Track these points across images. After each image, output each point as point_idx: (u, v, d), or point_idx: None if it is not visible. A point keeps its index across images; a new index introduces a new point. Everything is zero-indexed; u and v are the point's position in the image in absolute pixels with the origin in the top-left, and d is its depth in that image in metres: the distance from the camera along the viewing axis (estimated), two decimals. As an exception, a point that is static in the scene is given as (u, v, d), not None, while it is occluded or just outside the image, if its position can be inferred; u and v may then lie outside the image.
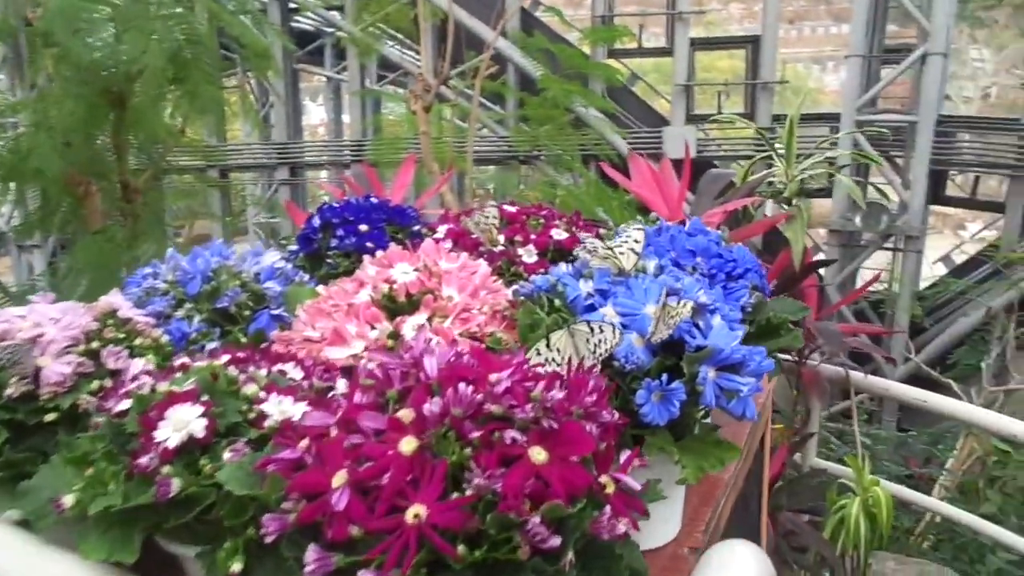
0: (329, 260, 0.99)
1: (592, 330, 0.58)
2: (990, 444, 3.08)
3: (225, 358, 0.58)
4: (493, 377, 0.46)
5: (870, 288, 6.00)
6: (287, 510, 0.43)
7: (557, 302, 0.66)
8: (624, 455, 0.47)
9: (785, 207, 1.64)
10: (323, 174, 9.45)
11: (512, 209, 1.02)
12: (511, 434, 0.43)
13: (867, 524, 1.59)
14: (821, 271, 3.36)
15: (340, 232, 1.00)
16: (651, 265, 0.71)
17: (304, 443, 0.46)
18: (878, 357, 3.21)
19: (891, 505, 1.61)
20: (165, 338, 0.72)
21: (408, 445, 0.42)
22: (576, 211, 1.05)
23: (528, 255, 0.94)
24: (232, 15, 2.41)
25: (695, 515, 0.72)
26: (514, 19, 6.12)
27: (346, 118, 9.64)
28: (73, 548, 0.50)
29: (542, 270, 0.90)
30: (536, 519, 0.40)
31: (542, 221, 1.00)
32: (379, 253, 0.79)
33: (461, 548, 0.39)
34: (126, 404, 0.53)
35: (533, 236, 0.96)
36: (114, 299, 0.71)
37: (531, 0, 7.63)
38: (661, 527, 0.68)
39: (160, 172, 2.65)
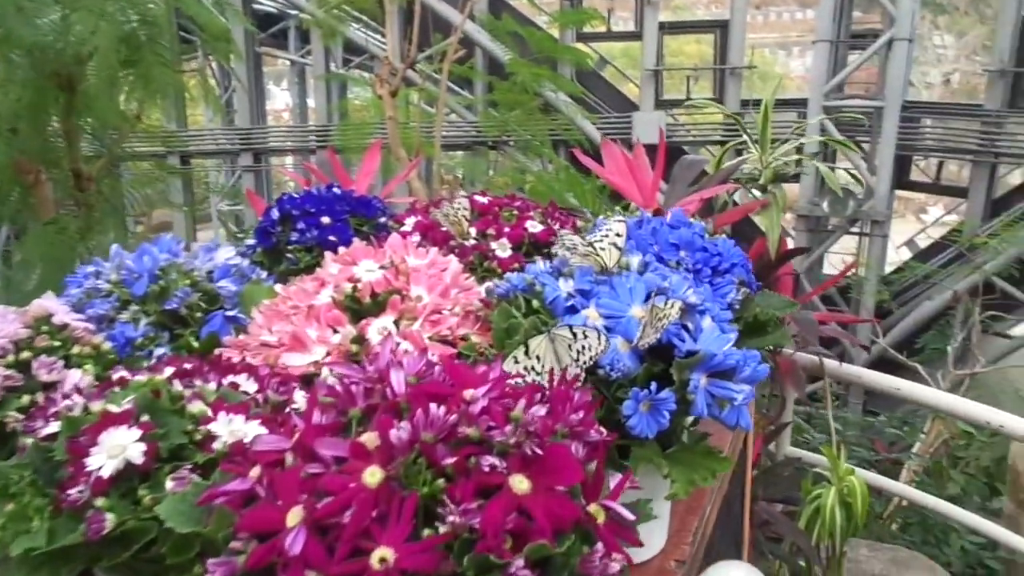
0: (289, 255, 0.94)
1: (575, 336, 0.53)
2: (957, 427, 3.12)
3: (169, 371, 0.52)
4: (468, 394, 0.41)
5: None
6: (236, 550, 0.38)
7: (535, 303, 0.61)
8: (613, 478, 0.42)
9: (759, 194, 1.61)
10: (288, 160, 9.30)
11: (484, 200, 0.97)
12: (489, 460, 0.38)
13: (843, 513, 1.58)
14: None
15: (301, 225, 0.94)
16: (635, 261, 0.66)
17: (255, 471, 0.40)
18: (847, 343, 3.22)
19: (867, 494, 1.60)
20: (107, 344, 0.66)
21: (373, 477, 0.37)
22: (551, 201, 1.00)
23: (502, 249, 0.89)
24: (190, -6, 2.30)
25: (681, 526, 0.69)
26: (482, 1, 6.02)
27: (311, 103, 9.46)
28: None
29: (517, 265, 0.85)
30: (520, 561, 0.35)
31: (516, 212, 0.95)
32: (342, 248, 0.74)
33: (434, 596, 0.34)
34: (55, 427, 0.47)
35: (507, 229, 0.91)
36: (48, 302, 0.64)
37: (499, -18, 7.52)
38: (646, 540, 0.64)
39: (115, 159, 2.54)
